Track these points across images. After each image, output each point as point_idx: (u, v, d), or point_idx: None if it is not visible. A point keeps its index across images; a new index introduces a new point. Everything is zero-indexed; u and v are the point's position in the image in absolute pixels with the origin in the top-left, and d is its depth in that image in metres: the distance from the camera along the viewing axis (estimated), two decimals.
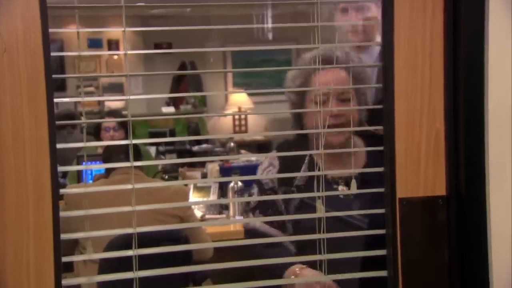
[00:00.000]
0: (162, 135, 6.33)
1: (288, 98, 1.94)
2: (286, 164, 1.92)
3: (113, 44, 10.69)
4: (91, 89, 10.40)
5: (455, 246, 1.39)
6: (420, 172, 1.40)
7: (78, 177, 3.92)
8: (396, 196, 1.40)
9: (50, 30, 1.32)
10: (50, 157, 1.32)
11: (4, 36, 1.27)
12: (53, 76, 1.32)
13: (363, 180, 1.73)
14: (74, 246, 3.13)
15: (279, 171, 1.91)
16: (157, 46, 10.71)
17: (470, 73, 1.33)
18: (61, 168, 1.36)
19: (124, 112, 9.78)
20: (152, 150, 5.68)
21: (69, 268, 3.17)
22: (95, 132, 4.49)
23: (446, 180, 1.39)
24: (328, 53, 1.78)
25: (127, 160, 3.11)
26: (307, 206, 1.79)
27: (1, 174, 1.28)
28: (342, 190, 1.84)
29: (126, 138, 4.35)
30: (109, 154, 3.19)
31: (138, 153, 3.29)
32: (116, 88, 9.91)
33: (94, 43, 10.74)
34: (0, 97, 1.27)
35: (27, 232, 1.31)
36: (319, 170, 1.69)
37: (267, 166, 1.95)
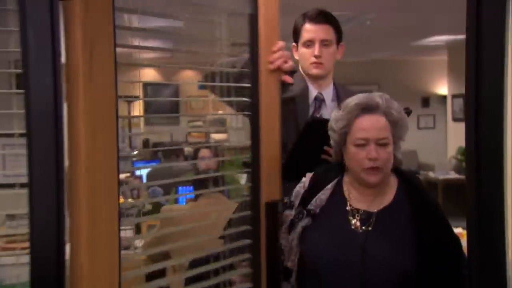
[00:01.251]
0: None
1: (332, 137, 1.82)
2: (314, 188, 1.82)
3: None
4: (200, 123, 10.76)
5: None
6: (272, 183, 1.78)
7: (176, 199, 4.08)
8: (261, 201, 1.73)
9: None
10: (118, 185, 1.41)
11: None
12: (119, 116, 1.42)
13: (381, 216, 1.72)
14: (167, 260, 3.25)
15: (306, 192, 1.82)
16: None
17: None
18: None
19: (225, 144, 10.06)
20: (244, 176, 5.77)
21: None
22: (194, 160, 4.66)
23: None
24: (369, 101, 1.73)
25: (214, 185, 3.24)
26: (317, 228, 1.76)
27: (92, 200, 1.37)
28: (354, 223, 1.74)
29: (218, 166, 4.50)
30: (197, 180, 3.32)
31: (223, 181, 3.39)
32: (220, 123, 10.19)
33: (203, 85, 11.13)
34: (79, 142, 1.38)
35: (101, 247, 1.39)
36: (343, 199, 1.76)
37: (300, 183, 1.86)
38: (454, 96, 9.64)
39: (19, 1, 1.23)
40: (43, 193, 1.28)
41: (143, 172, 5.54)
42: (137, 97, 10.01)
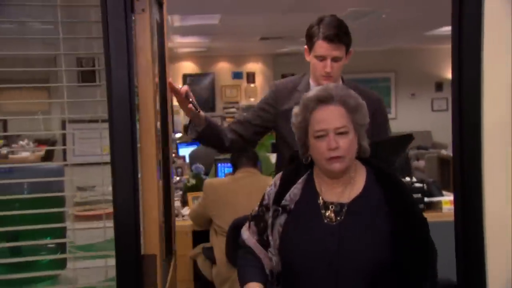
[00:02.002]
0: None
1: (295, 132, 1.69)
2: (285, 185, 1.69)
3: (250, 76, 11.20)
4: (233, 109, 10.96)
5: None
6: None
7: (216, 174, 4.31)
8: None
9: None
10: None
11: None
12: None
13: (354, 206, 1.61)
14: (210, 224, 3.48)
15: (277, 191, 1.69)
16: (284, 77, 11.07)
17: None
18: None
19: None
20: (274, 155, 5.99)
21: (207, 239, 3.54)
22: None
23: None
24: (323, 93, 1.62)
25: (249, 163, 3.45)
26: (292, 224, 1.63)
27: (146, 176, 1.59)
28: (329, 216, 1.61)
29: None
30: (235, 158, 3.54)
31: (257, 158, 3.61)
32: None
33: (237, 75, 11.33)
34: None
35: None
36: (315, 193, 1.65)
37: (271, 185, 1.74)
38: None
39: (102, 14, 1.45)
40: (122, 166, 1.50)
41: (186, 153, 5.81)
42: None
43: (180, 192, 4.35)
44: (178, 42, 8.83)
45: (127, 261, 1.46)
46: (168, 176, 2.06)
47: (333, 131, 1.58)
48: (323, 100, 1.60)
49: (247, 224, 1.77)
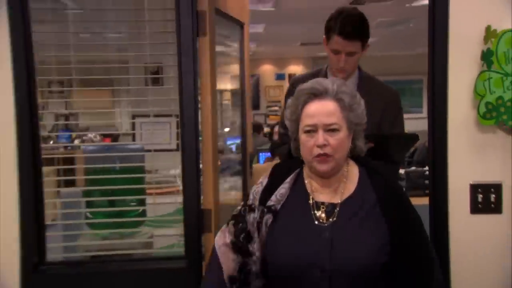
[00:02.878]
0: None
1: (288, 127, 1.53)
2: (273, 183, 1.51)
3: (292, 77, 11.52)
4: (276, 108, 11.37)
5: None
6: None
7: (258, 161, 4.83)
8: None
9: None
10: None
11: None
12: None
13: (347, 206, 1.45)
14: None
15: (265, 189, 1.50)
16: None
17: None
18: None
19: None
20: None
21: None
22: (270, 136, 5.36)
23: None
24: (317, 86, 1.45)
25: (285, 150, 3.90)
26: (279, 226, 1.45)
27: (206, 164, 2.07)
28: (320, 216, 1.44)
29: None
30: (273, 147, 4.02)
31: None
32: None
33: (279, 77, 11.74)
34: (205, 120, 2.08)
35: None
36: (305, 193, 1.49)
37: (258, 183, 1.54)
38: None
39: (177, 37, 1.95)
40: (188, 152, 1.97)
41: (233, 145, 6.34)
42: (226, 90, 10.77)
43: None
44: None
45: (192, 212, 1.97)
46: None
47: (322, 127, 1.42)
48: (317, 93, 1.45)
49: (226, 224, 1.56)
